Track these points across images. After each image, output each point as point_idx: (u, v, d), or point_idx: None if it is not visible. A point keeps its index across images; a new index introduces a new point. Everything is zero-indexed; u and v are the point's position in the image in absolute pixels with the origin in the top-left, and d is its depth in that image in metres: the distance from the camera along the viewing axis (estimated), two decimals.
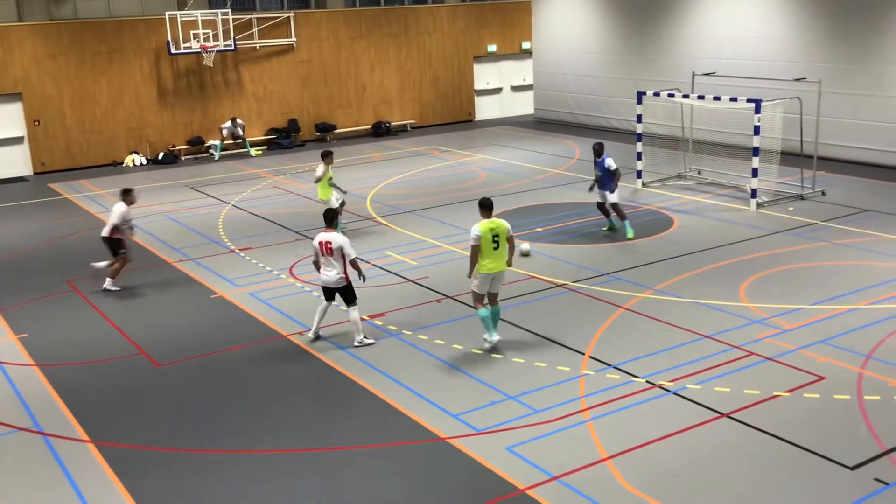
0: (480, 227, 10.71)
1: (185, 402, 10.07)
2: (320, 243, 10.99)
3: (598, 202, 15.99)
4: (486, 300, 10.99)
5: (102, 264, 13.92)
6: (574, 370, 10.35)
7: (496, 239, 10.73)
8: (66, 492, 8.26)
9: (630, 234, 15.63)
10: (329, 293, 11.33)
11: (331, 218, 11.27)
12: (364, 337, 11.34)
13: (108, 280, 13.92)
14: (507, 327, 11.75)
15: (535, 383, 10.03)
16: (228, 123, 26.00)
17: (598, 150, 15.65)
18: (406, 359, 10.92)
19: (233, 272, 14.75)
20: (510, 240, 10.92)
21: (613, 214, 15.90)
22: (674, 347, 10.86)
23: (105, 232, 13.85)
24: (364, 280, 11.29)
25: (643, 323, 11.72)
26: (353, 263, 11.00)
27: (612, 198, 15.61)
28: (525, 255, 13.82)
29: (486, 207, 10.97)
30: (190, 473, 8.52)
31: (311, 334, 11.56)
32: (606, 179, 15.52)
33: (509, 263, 11.00)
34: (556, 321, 11.90)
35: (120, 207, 13.79)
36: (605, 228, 16.15)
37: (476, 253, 10.71)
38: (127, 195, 13.99)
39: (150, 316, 12.94)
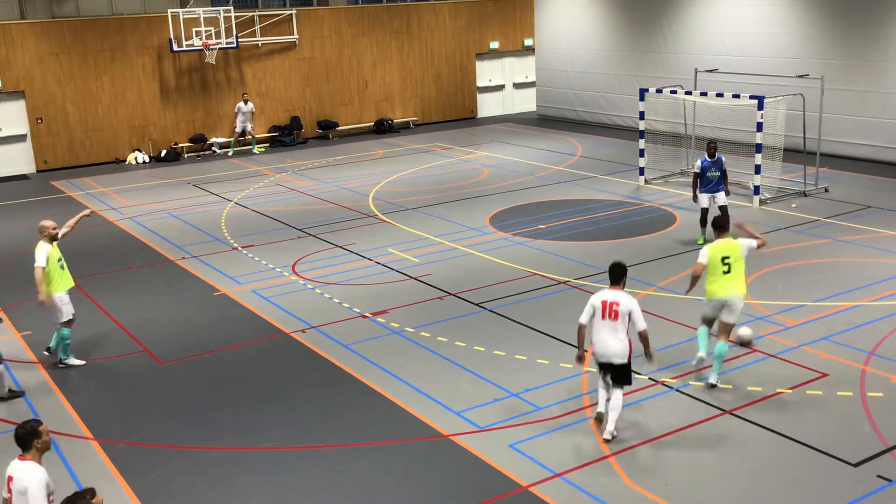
0: (709, 249, 9.68)
1: (187, 400, 10.08)
2: (603, 303, 8.64)
3: (704, 208, 14.82)
4: (714, 328, 9.87)
5: None
6: (576, 367, 10.33)
7: (726, 262, 9.56)
8: (69, 489, 8.24)
9: (701, 240, 14.88)
10: (607, 369, 8.73)
11: (619, 275, 8.82)
12: (615, 430, 8.64)
13: None
14: (510, 324, 11.75)
15: (538, 380, 10.03)
16: (240, 104, 25.88)
17: (713, 151, 14.75)
18: (408, 356, 10.92)
19: (235, 270, 14.76)
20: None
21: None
22: (676, 344, 10.86)
23: None
24: (651, 360, 8.84)
25: (645, 320, 11.68)
26: (643, 336, 8.65)
27: (724, 200, 14.80)
28: (745, 343, 10.62)
29: (720, 228, 9.82)
30: (193, 471, 8.53)
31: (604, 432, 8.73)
32: (719, 180, 14.78)
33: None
34: (559, 318, 11.89)
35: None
36: (700, 241, 14.95)
37: (698, 275, 9.73)
38: None
39: (152, 313, 12.95)
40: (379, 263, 14.71)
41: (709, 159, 14.81)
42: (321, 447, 8.84)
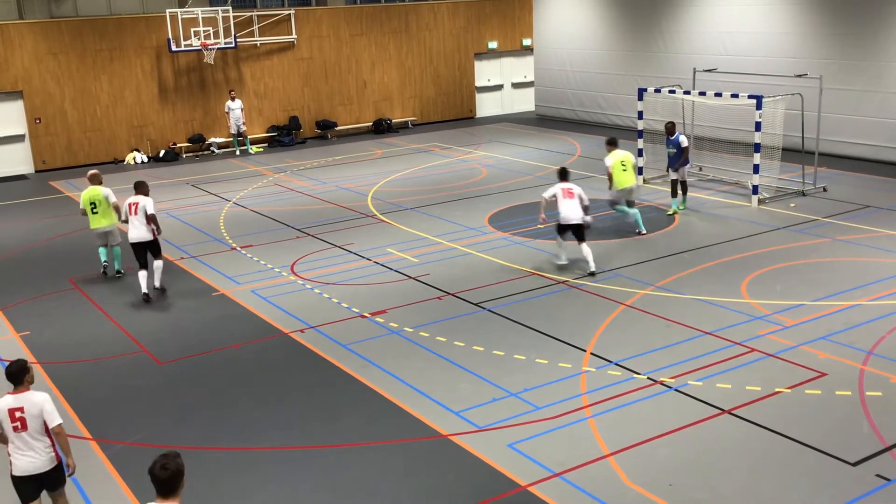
0: (612, 159, 15.36)
1: (186, 400, 10.08)
2: (563, 189, 13.60)
3: (673, 180, 17.07)
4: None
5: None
6: (575, 367, 10.36)
7: (624, 165, 15.36)
8: (68, 489, 8.25)
9: (683, 206, 17.25)
10: (568, 228, 13.67)
11: (564, 174, 13.97)
12: (593, 265, 13.53)
13: None
14: (509, 324, 11.76)
15: (537, 380, 10.04)
16: (228, 102, 25.83)
17: (671, 129, 16.77)
18: (407, 356, 10.93)
19: (234, 270, 14.76)
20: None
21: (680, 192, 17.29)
22: (675, 344, 10.87)
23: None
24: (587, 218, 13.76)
25: (644, 320, 11.73)
26: (586, 209, 13.66)
27: (675, 175, 16.94)
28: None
29: (612, 144, 15.72)
30: (192, 471, 8.47)
31: (560, 260, 14.01)
32: (677, 156, 16.68)
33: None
34: (558, 318, 11.91)
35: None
36: (670, 212, 17.08)
37: (611, 173, 15.28)
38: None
39: (151, 313, 12.95)
40: (378, 263, 14.71)
41: (668, 138, 16.80)
42: (321, 447, 8.85)
